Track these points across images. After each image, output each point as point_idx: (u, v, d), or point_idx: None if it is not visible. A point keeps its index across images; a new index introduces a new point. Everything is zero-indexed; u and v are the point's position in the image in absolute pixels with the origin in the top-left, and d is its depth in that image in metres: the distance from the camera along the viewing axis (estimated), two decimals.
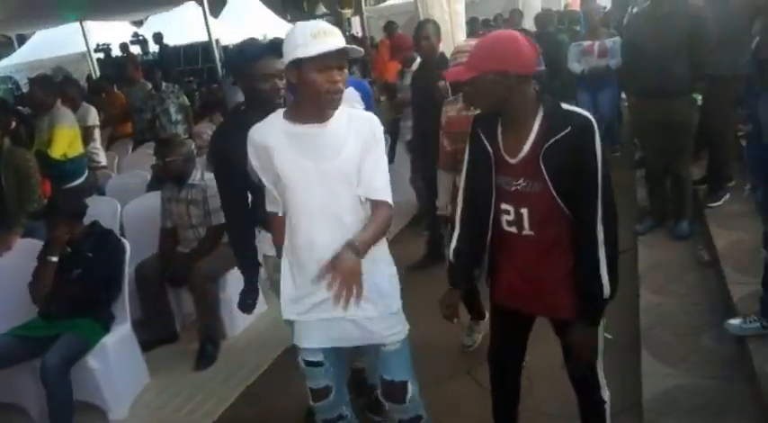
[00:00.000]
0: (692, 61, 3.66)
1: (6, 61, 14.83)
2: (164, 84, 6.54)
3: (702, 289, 3.38)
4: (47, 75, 8.11)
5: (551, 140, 1.72)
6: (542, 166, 1.74)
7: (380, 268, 1.93)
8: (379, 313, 1.92)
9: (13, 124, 6.75)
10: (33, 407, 3.16)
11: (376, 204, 1.85)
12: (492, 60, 1.73)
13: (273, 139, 1.82)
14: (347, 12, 22.31)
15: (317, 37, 1.66)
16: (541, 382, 2.69)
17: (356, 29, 18.20)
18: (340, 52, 1.68)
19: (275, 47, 2.45)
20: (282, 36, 1.82)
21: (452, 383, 2.98)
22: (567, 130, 1.71)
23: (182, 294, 3.90)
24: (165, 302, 3.84)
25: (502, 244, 1.95)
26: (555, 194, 1.75)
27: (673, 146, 3.93)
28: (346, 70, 1.73)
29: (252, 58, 2.34)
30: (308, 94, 1.74)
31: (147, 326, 3.71)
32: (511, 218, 1.87)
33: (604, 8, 7.74)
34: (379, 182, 1.84)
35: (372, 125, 1.87)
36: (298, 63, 1.69)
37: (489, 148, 1.86)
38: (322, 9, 26.78)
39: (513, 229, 1.88)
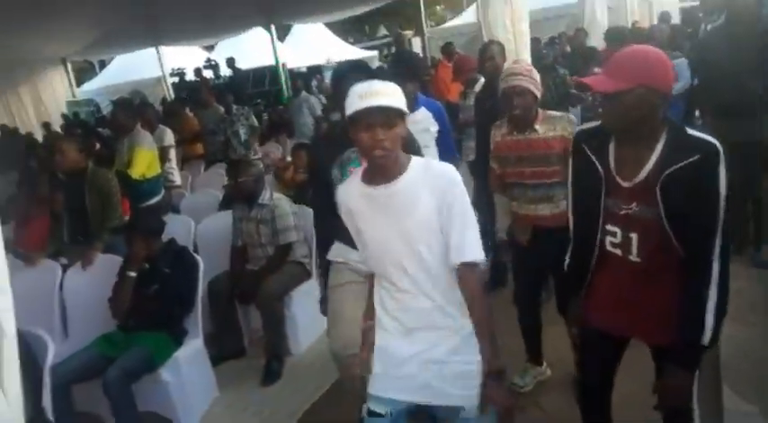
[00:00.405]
0: None
1: (88, 85, 15.76)
2: (234, 106, 6.81)
3: None
4: (128, 98, 8.57)
5: (674, 167, 1.61)
6: (658, 193, 1.63)
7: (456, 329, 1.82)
8: (458, 371, 1.78)
9: (97, 146, 7.19)
10: (109, 417, 3.28)
11: (465, 271, 1.74)
12: (644, 74, 1.61)
13: (354, 202, 1.84)
14: (408, 33, 22.57)
15: (364, 98, 1.65)
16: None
17: (417, 50, 18.39)
18: (381, 109, 1.63)
19: (362, 67, 2.60)
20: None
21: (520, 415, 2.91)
22: (693, 158, 1.59)
23: (250, 311, 4.00)
24: (234, 318, 3.95)
25: (602, 264, 1.86)
26: (666, 224, 1.65)
27: (752, 166, 3.76)
28: (397, 129, 1.68)
29: (341, 74, 2.50)
30: (361, 153, 1.78)
31: (216, 341, 3.83)
32: (617, 240, 1.79)
33: (669, 25, 7.45)
34: (467, 240, 1.72)
35: (447, 178, 1.74)
36: (350, 124, 1.70)
37: (600, 168, 1.77)
38: (383, 31, 27.25)
39: (618, 252, 1.81)
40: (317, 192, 2.67)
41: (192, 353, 3.37)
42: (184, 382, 3.27)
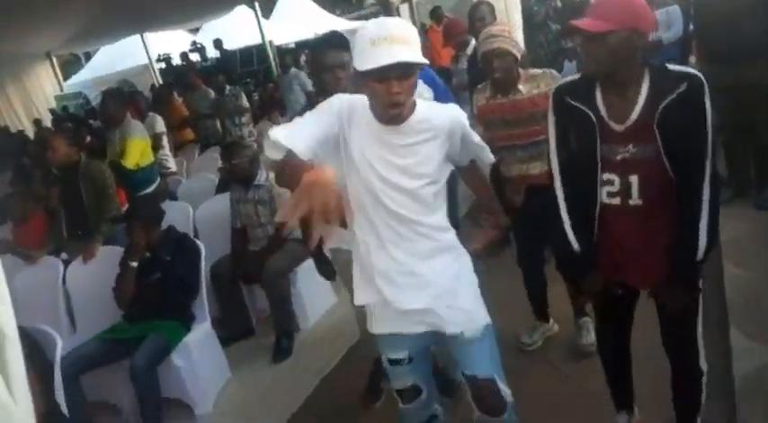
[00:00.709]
0: None
1: (75, 78, 15.58)
2: (227, 87, 6.74)
3: None
4: (117, 88, 8.48)
5: (667, 100, 1.65)
6: (656, 130, 1.67)
7: (451, 260, 1.85)
8: (455, 303, 1.81)
9: (88, 138, 7.14)
10: (125, 404, 3.31)
11: (473, 166, 1.94)
12: (629, 15, 1.64)
13: (361, 120, 1.72)
14: (395, 0, 22.23)
15: (376, 44, 1.53)
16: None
17: (405, 17, 18.10)
18: (398, 65, 1.53)
19: (333, 39, 2.50)
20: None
21: (532, 373, 2.92)
22: (681, 89, 1.64)
23: (255, 291, 4.01)
24: (240, 300, 3.96)
25: (600, 219, 1.86)
26: (665, 159, 1.69)
27: (751, 111, 3.70)
28: (413, 78, 1.61)
29: (317, 49, 2.49)
30: (372, 101, 1.67)
31: (224, 323, 3.85)
32: (615, 189, 1.79)
33: None
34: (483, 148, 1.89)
35: (451, 116, 1.76)
36: (362, 73, 1.58)
37: (592, 115, 1.76)
38: (370, 0, 26.80)
39: (617, 201, 1.80)
40: None
41: (201, 337, 3.38)
42: (196, 366, 3.30)
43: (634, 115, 1.71)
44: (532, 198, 2.75)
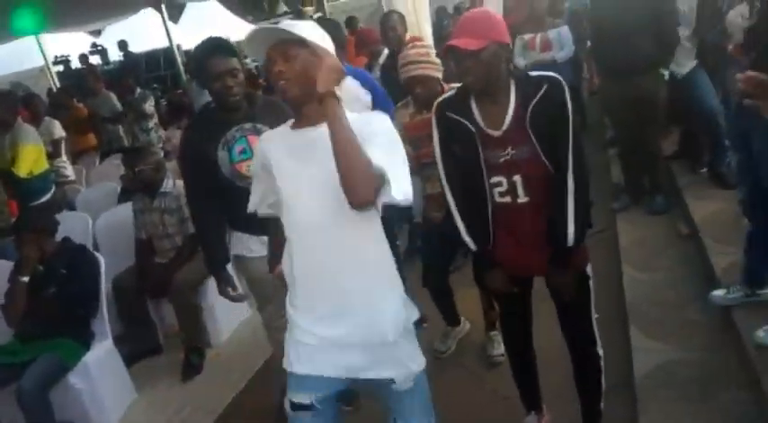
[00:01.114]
0: (657, 37, 3.67)
1: None
2: (137, 90, 6.45)
3: (684, 262, 3.41)
4: (5, 91, 7.87)
5: (534, 102, 1.81)
6: (530, 131, 1.82)
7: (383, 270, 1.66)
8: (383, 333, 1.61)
9: None
10: None
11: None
12: (494, 31, 1.80)
13: (275, 150, 1.65)
14: (309, 9, 22.14)
15: (259, 28, 1.62)
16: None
17: None
18: (273, 38, 1.56)
19: (221, 45, 2.42)
20: (243, 38, 1.73)
21: (444, 376, 2.95)
22: (543, 90, 1.81)
23: (162, 305, 3.82)
24: (145, 315, 3.76)
25: (495, 217, 1.99)
26: (542, 155, 1.84)
27: (642, 122, 3.96)
28: (299, 59, 1.52)
29: (201, 57, 2.39)
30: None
31: (129, 340, 3.63)
32: (503, 189, 1.93)
33: None
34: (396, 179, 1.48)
35: (374, 121, 1.59)
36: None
37: (470, 126, 1.89)
38: (283, 8, 26.53)
39: (507, 200, 1.95)
40: (195, 177, 2.53)
41: (102, 355, 3.18)
42: (97, 387, 3.10)
43: (507, 120, 1.86)
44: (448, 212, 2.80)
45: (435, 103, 2.03)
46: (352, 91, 3.14)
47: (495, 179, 1.93)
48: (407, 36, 4.04)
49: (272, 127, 1.83)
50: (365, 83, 3.20)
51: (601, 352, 2.15)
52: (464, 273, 3.17)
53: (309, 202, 1.57)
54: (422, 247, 3.13)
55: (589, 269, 2.07)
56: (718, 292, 2.73)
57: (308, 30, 1.59)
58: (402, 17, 4.06)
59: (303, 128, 1.62)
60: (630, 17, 3.66)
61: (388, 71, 4.18)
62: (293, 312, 1.67)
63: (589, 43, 4.80)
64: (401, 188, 1.46)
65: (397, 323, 1.64)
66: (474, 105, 1.91)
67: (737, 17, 2.61)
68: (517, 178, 1.90)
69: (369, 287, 1.61)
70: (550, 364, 2.38)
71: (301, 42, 1.54)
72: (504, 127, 1.86)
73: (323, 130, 1.49)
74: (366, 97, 3.19)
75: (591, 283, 2.07)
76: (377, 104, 3.19)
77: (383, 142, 1.52)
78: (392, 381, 1.65)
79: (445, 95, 2.06)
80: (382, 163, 1.45)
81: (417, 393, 1.70)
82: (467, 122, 1.89)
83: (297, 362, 1.65)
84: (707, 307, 2.81)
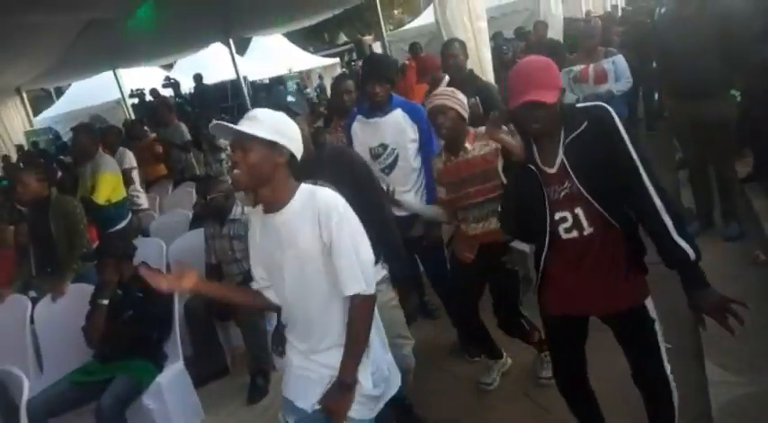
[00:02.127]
0: (727, 58, 3.57)
1: (46, 113, 15.43)
2: (214, 121, 6.74)
3: (761, 290, 3.24)
4: (88, 123, 8.40)
5: (569, 138, 1.86)
6: (566, 165, 1.86)
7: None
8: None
9: (59, 174, 7.04)
10: None
11: (351, 300, 1.81)
12: (557, 80, 1.89)
13: (255, 227, 1.91)
14: (368, 38, 22.65)
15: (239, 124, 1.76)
16: None
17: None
18: (232, 130, 1.74)
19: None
20: (307, 68, 1.91)
21: (510, 408, 2.91)
22: (583, 126, 1.83)
23: (230, 328, 3.93)
24: (214, 337, 3.88)
25: (561, 254, 1.98)
26: (582, 189, 1.85)
27: (713, 145, 3.84)
28: (252, 154, 1.72)
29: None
30: None
31: (198, 362, 3.75)
32: (569, 224, 1.93)
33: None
34: (346, 274, 1.77)
35: (328, 206, 1.77)
36: None
37: (532, 166, 1.94)
38: (343, 38, 27.28)
39: (575, 235, 1.94)
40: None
41: (173, 377, 3.30)
42: (168, 407, 3.20)
43: (560, 156, 1.89)
44: (480, 253, 2.84)
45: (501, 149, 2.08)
46: (399, 123, 3.21)
47: (559, 215, 1.93)
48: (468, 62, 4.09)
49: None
50: (415, 120, 3.26)
51: (674, 388, 2.05)
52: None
53: (290, 281, 1.83)
54: (450, 286, 3.12)
55: (649, 302, 2.01)
56: None
57: (268, 125, 1.75)
58: (463, 44, 4.10)
59: (270, 213, 1.81)
60: (698, 38, 3.58)
61: None
62: (288, 347, 2.00)
63: (655, 64, 4.67)
64: (351, 286, 1.79)
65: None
66: (534, 145, 1.96)
67: None
68: (579, 211, 1.90)
69: (328, 342, 1.87)
70: (613, 400, 2.31)
71: (256, 139, 1.71)
72: (557, 162, 1.90)
73: (284, 216, 1.78)
74: (413, 133, 3.25)
75: (652, 314, 2.00)
76: (421, 143, 3.28)
77: (337, 242, 1.76)
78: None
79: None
80: (353, 261, 1.77)
81: None
82: (529, 164, 1.94)
83: (284, 386, 2.00)
84: None
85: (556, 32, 8.30)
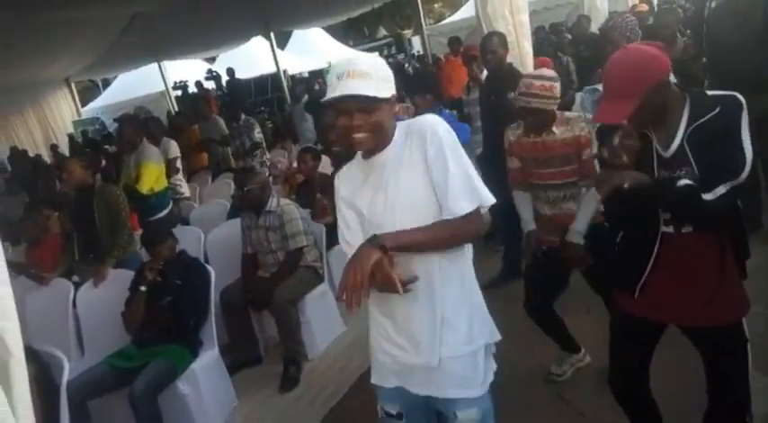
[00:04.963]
0: None
1: (93, 104, 15.90)
2: (243, 116, 6.83)
3: None
4: (132, 114, 8.63)
5: (698, 123, 1.70)
6: (687, 147, 1.71)
7: (448, 294, 1.67)
8: (448, 354, 1.66)
9: (103, 162, 7.23)
10: None
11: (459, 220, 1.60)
12: (646, 80, 1.69)
13: (353, 179, 1.75)
14: (407, 32, 22.59)
15: (341, 78, 1.56)
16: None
17: (417, 48, 18.37)
18: (352, 97, 1.54)
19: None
20: None
21: (545, 411, 2.87)
22: (715, 112, 1.68)
23: (264, 318, 3.98)
24: (248, 326, 3.93)
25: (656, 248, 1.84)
26: (697, 174, 1.68)
27: (762, 141, 3.68)
28: (378, 113, 1.58)
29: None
30: (341, 137, 1.69)
31: (232, 350, 3.82)
32: (667, 216, 1.79)
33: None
34: (456, 194, 1.58)
35: (426, 131, 1.62)
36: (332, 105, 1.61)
37: (651, 141, 1.80)
38: (383, 31, 27.26)
39: (670, 229, 1.80)
40: None
41: (208, 364, 3.36)
42: (203, 393, 3.26)
43: (677, 141, 1.75)
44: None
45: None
46: None
47: None
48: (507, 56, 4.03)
49: None
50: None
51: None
52: (565, 301, 3.07)
53: (389, 221, 1.62)
54: (527, 272, 3.05)
55: (745, 325, 1.86)
56: None
57: (380, 77, 1.59)
58: (503, 38, 4.04)
59: (372, 156, 1.68)
60: (748, 32, 3.46)
61: (486, 93, 4.18)
62: (373, 331, 1.80)
63: (705, 60, 4.53)
64: (484, 193, 1.64)
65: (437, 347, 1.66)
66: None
67: None
68: None
69: (429, 308, 1.66)
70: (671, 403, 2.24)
71: (377, 99, 1.58)
72: (674, 146, 1.76)
73: (385, 156, 1.66)
74: None
75: (746, 334, 1.85)
76: None
77: (451, 155, 1.60)
78: (453, 413, 1.70)
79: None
80: (462, 175, 1.60)
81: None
82: (647, 135, 1.80)
83: (378, 376, 1.82)
84: None
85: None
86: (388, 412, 1.81)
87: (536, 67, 4.81)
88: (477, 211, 1.62)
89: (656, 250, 1.82)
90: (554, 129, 2.71)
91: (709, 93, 1.76)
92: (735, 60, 3.57)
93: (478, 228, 1.66)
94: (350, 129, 1.58)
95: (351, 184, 1.75)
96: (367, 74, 1.56)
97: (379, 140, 1.64)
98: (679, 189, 1.66)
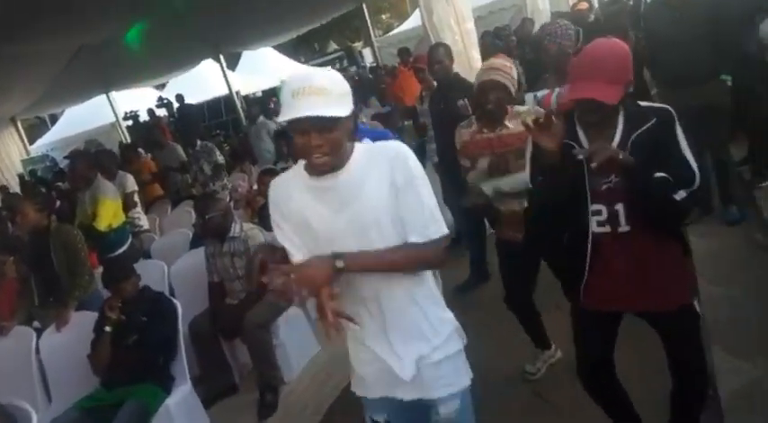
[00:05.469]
0: (716, 45, 3.57)
1: (41, 141, 15.51)
2: (199, 142, 6.75)
3: (763, 274, 3.23)
4: (84, 150, 8.44)
5: (636, 134, 1.80)
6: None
7: (422, 309, 1.70)
8: (418, 358, 1.69)
9: (57, 202, 7.04)
10: None
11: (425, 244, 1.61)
12: (628, 71, 1.81)
13: (297, 195, 1.67)
14: (358, 44, 22.72)
15: (296, 97, 1.48)
16: None
17: (369, 59, 18.49)
18: (310, 118, 1.47)
19: None
20: None
21: (523, 408, 2.89)
22: (651, 123, 1.80)
23: (236, 345, 3.92)
24: (220, 355, 3.86)
25: (593, 248, 1.95)
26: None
27: (708, 130, 3.82)
28: (337, 131, 1.53)
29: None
30: (298, 155, 1.64)
31: (206, 381, 3.75)
32: (603, 217, 1.90)
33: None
34: (427, 221, 1.60)
35: (393, 153, 1.61)
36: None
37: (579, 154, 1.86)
38: (333, 46, 27.34)
39: (606, 229, 1.91)
40: None
41: (182, 399, 3.28)
42: None
43: (613, 146, 1.82)
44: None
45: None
46: None
47: (594, 207, 1.90)
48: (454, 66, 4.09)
49: None
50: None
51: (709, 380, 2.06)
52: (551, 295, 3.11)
53: (352, 242, 1.60)
54: (501, 267, 3.09)
55: (697, 305, 1.98)
56: None
57: (338, 93, 1.53)
58: (448, 49, 4.12)
59: (326, 174, 1.61)
60: (685, 26, 3.59)
61: (433, 102, 4.28)
62: (351, 345, 1.81)
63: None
64: (436, 224, 1.62)
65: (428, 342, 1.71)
66: (580, 131, 1.91)
67: None
68: (619, 206, 1.87)
69: (399, 314, 1.68)
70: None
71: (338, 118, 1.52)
72: None
73: (344, 176, 1.61)
74: None
75: (698, 310, 1.98)
76: None
77: (422, 184, 1.62)
78: (435, 411, 1.73)
79: None
80: (431, 204, 1.61)
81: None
82: (576, 146, 1.87)
83: (362, 388, 1.82)
84: None
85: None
86: (376, 421, 1.83)
87: (420, 64, 4.90)
88: (443, 239, 1.63)
89: (589, 250, 1.93)
90: (507, 122, 2.75)
91: (642, 104, 1.87)
92: (673, 54, 3.70)
93: (444, 255, 1.65)
94: (308, 148, 1.54)
95: (293, 198, 1.68)
96: (324, 89, 1.50)
97: (338, 160, 1.60)
98: (657, 179, 1.75)
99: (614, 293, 1.96)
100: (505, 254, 2.99)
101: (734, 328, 2.86)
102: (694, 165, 1.79)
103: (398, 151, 1.62)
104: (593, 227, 1.91)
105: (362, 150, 1.65)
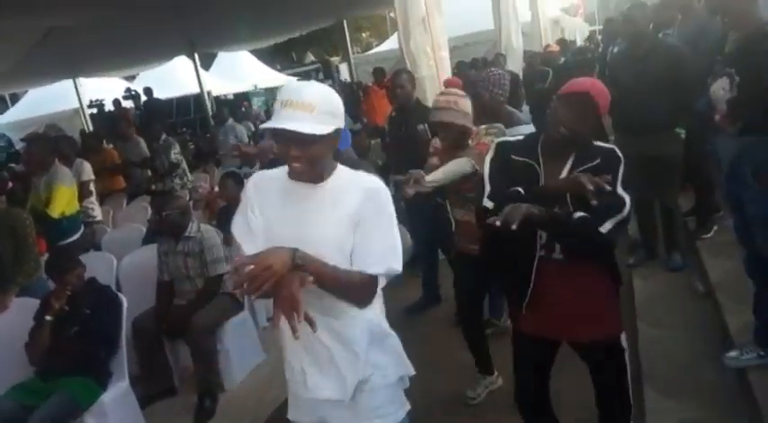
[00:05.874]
0: (673, 98, 3.76)
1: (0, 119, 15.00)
2: (163, 136, 6.65)
3: (700, 320, 3.38)
4: (42, 134, 8.19)
5: (580, 169, 1.90)
6: (567, 194, 1.88)
7: (366, 334, 1.72)
8: (357, 382, 1.70)
9: (9, 184, 6.83)
10: None
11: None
12: (607, 99, 1.98)
13: (271, 191, 1.71)
14: (335, 59, 22.82)
15: (284, 107, 1.52)
16: None
17: (345, 75, 18.61)
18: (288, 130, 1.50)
19: None
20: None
21: None
22: (595, 162, 1.90)
23: (179, 347, 3.86)
24: (162, 356, 3.79)
25: (536, 271, 2.01)
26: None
27: (659, 179, 4.00)
28: (316, 147, 1.56)
29: None
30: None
31: (144, 381, 3.68)
32: (542, 241, 1.97)
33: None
34: (377, 255, 1.62)
35: (373, 190, 1.66)
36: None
37: (539, 171, 1.96)
38: (310, 57, 27.39)
39: (542, 253, 1.98)
40: None
41: (118, 396, 3.22)
42: None
43: (561, 178, 1.93)
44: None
45: (496, 143, 2.11)
46: None
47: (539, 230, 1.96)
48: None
49: None
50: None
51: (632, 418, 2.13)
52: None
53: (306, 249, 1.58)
54: (455, 281, 3.14)
55: (623, 339, 2.07)
56: (732, 354, 2.71)
57: (324, 110, 1.55)
58: (411, 76, 4.41)
59: (305, 182, 1.66)
60: (646, 79, 3.76)
61: (393, 125, 4.47)
62: (288, 365, 1.81)
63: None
64: (397, 260, 1.63)
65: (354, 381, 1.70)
66: (540, 154, 1.99)
67: (719, 90, 2.67)
68: None
69: (341, 344, 1.69)
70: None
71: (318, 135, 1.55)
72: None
73: (322, 190, 1.65)
74: None
75: (624, 344, 2.06)
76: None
77: (390, 222, 1.66)
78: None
79: (509, 139, 2.17)
80: (396, 242, 1.64)
81: None
82: (535, 166, 1.96)
83: (295, 412, 1.84)
84: (723, 367, 2.79)
85: (516, 65, 8.58)
86: None
87: (445, 86, 5.06)
88: (377, 278, 1.64)
89: (533, 272, 2.00)
90: (470, 142, 2.84)
91: (595, 143, 1.98)
92: (634, 102, 3.85)
93: (373, 292, 1.67)
94: (287, 156, 1.59)
95: (267, 196, 1.72)
96: (310, 106, 1.52)
97: (315, 174, 1.65)
98: (576, 220, 1.82)
99: (548, 320, 2.03)
100: (461, 267, 3.05)
101: (666, 370, 2.98)
102: (626, 196, 1.87)
103: (377, 185, 1.68)
104: (538, 250, 1.99)
105: (345, 175, 1.70)
